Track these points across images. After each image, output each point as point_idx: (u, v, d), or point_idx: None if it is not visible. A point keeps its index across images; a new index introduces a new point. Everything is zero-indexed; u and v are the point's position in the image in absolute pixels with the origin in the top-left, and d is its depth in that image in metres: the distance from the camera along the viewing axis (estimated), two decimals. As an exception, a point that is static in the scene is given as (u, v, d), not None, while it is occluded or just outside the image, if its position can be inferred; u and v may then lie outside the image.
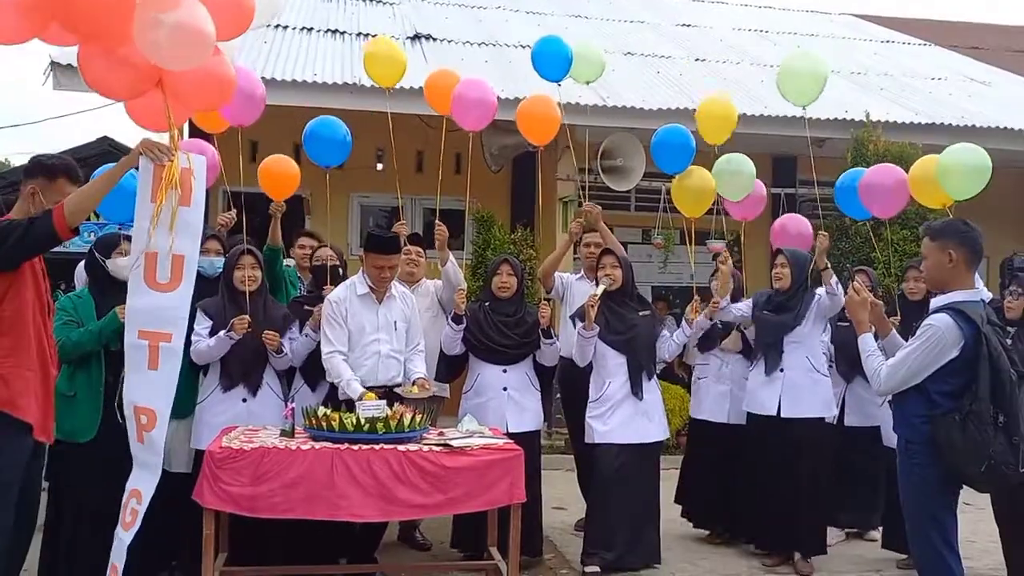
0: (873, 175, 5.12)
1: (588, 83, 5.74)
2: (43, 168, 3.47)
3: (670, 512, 6.00)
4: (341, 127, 5.12)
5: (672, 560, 5.24)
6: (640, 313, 5.05)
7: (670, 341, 5.27)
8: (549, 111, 5.27)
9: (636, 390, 4.90)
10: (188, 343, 4.00)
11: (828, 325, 5.34)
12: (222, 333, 4.38)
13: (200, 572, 3.85)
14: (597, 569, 4.80)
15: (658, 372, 9.00)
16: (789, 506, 5.05)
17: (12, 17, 3.00)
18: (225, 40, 3.37)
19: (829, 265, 5.04)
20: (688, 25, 12.64)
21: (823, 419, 5.13)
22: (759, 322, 5.28)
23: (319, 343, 4.57)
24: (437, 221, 5.15)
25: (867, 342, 3.61)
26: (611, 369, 4.98)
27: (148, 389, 3.36)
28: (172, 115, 3.34)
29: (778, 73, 5.24)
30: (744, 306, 5.39)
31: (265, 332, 4.46)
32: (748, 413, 5.29)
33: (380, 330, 4.56)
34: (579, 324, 4.89)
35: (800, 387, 5.07)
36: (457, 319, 4.88)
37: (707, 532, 5.71)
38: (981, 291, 3.60)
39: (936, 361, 3.35)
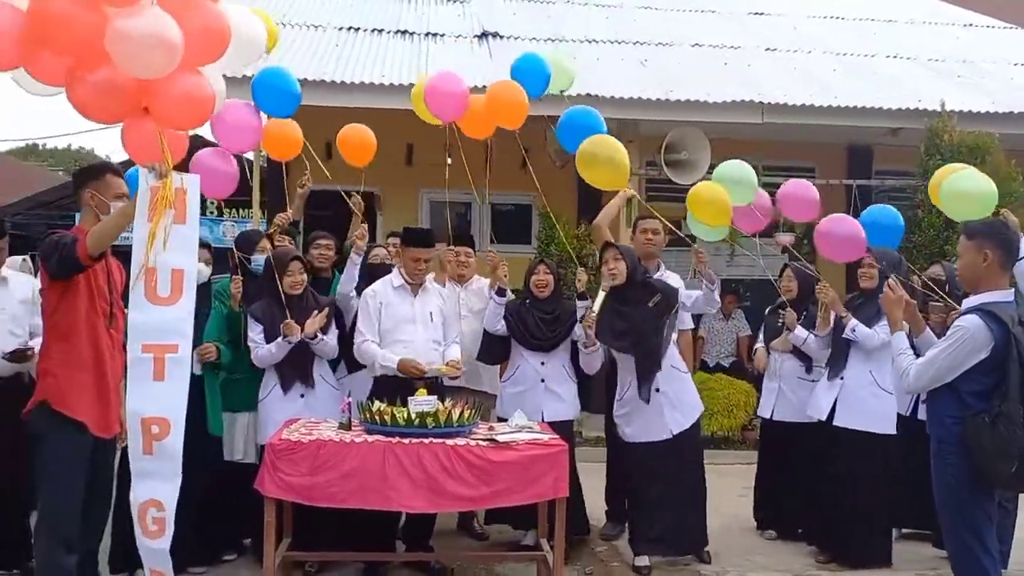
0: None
1: (562, 92, 5.54)
2: (88, 172, 3.81)
3: (731, 507, 6.07)
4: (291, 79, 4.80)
5: (726, 555, 5.28)
6: (649, 303, 4.92)
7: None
8: (517, 96, 5.00)
9: (644, 393, 4.86)
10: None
11: None
12: (281, 340, 4.66)
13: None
14: (647, 561, 4.89)
15: (727, 366, 9.16)
16: (837, 511, 5.04)
17: (6, 45, 3.13)
18: (201, 65, 3.44)
19: (848, 313, 5.02)
20: (760, 13, 12.44)
21: (879, 434, 5.00)
22: (836, 325, 5.21)
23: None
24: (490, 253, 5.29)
25: (899, 340, 3.65)
26: (626, 370, 5.01)
27: (157, 399, 3.42)
28: (166, 142, 3.43)
29: (715, 178, 4.94)
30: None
31: (285, 322, 4.65)
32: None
33: (417, 320, 4.80)
34: (580, 338, 4.98)
35: (857, 399, 5.00)
36: (500, 292, 5.05)
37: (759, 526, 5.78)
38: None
39: (965, 362, 3.37)
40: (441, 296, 4.99)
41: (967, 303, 3.53)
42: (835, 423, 5.03)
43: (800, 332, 5.37)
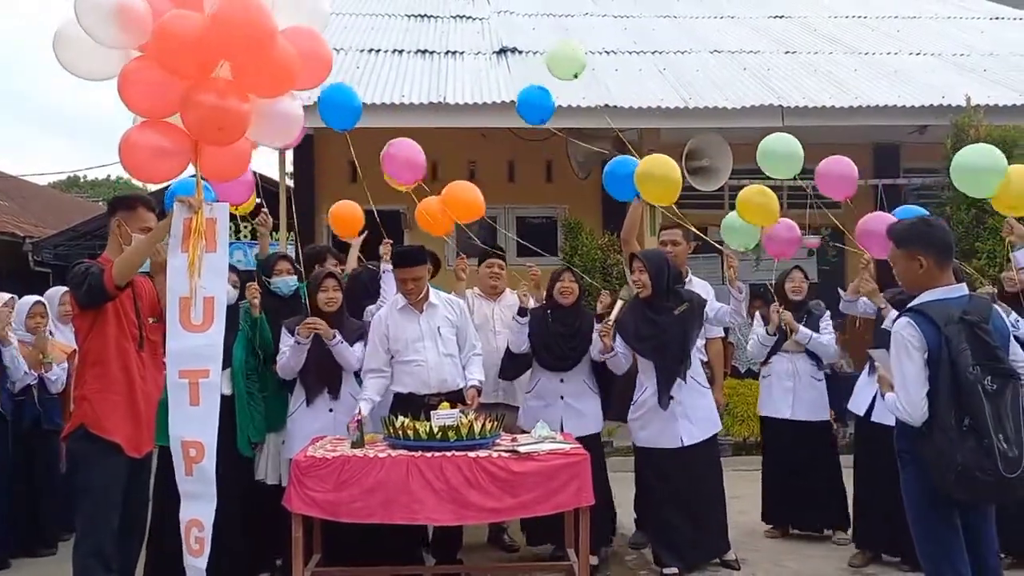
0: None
1: (576, 76, 5.80)
2: (122, 202, 3.97)
3: (757, 512, 6.03)
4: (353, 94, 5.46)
5: (757, 560, 5.27)
6: (675, 311, 4.95)
7: (756, 343, 5.64)
8: (473, 196, 5.52)
9: (663, 400, 4.88)
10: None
11: None
12: (292, 340, 4.72)
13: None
14: (675, 570, 4.88)
15: (758, 371, 9.12)
16: (878, 506, 4.99)
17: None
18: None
19: (887, 304, 4.98)
20: (781, 16, 12.42)
21: None
22: (877, 321, 5.20)
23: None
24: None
25: (889, 398, 3.41)
26: (646, 374, 5.02)
27: (193, 423, 3.54)
28: (198, 177, 3.62)
29: (758, 155, 5.15)
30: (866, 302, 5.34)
31: (305, 320, 4.72)
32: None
33: (425, 338, 4.79)
34: (597, 347, 4.97)
35: None
36: (522, 312, 5.06)
37: (770, 526, 5.83)
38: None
39: (920, 363, 3.20)
40: (450, 308, 4.95)
41: (910, 306, 3.37)
42: (873, 419, 4.99)
43: (804, 330, 5.53)
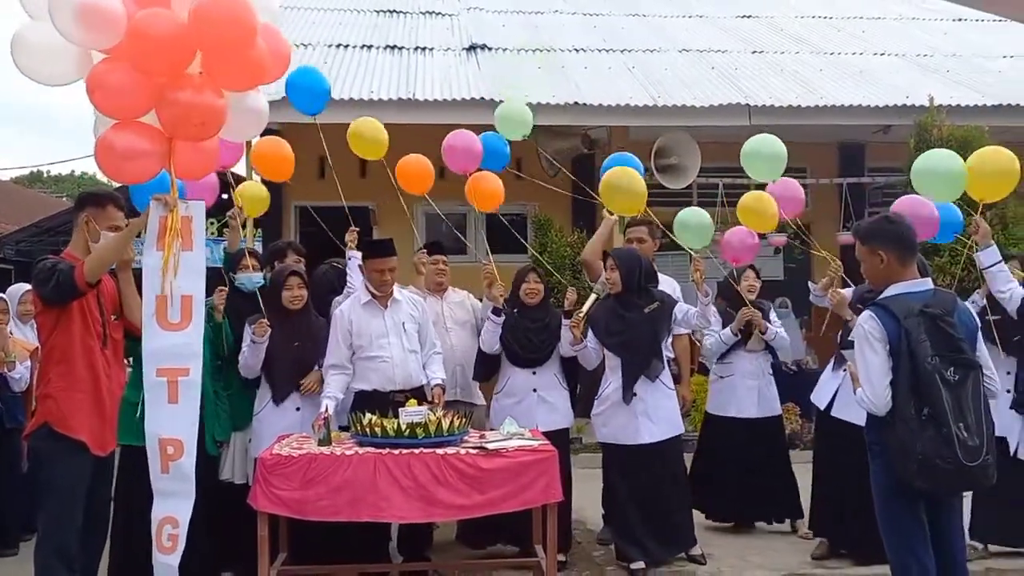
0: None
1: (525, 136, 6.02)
2: (92, 198, 3.90)
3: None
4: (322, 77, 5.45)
5: (722, 556, 5.31)
6: (646, 309, 4.99)
7: (718, 341, 5.64)
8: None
9: (626, 395, 4.91)
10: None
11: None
12: (249, 341, 4.69)
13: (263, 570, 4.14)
14: (642, 565, 4.92)
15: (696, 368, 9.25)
16: (837, 499, 5.05)
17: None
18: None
19: (854, 316, 4.85)
20: (749, 16, 12.54)
21: None
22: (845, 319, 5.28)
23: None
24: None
25: (859, 393, 3.49)
26: (612, 369, 5.06)
27: (172, 421, 3.52)
28: (173, 176, 3.58)
29: (742, 156, 5.14)
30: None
31: (303, 384, 4.78)
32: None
33: (390, 334, 4.78)
34: (568, 338, 5.00)
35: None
36: (496, 312, 5.06)
37: (731, 524, 5.90)
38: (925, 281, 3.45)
39: (883, 356, 3.30)
40: (414, 305, 4.94)
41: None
42: (833, 414, 5.06)
43: (771, 327, 5.64)
